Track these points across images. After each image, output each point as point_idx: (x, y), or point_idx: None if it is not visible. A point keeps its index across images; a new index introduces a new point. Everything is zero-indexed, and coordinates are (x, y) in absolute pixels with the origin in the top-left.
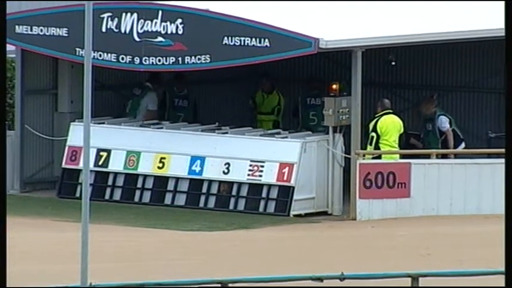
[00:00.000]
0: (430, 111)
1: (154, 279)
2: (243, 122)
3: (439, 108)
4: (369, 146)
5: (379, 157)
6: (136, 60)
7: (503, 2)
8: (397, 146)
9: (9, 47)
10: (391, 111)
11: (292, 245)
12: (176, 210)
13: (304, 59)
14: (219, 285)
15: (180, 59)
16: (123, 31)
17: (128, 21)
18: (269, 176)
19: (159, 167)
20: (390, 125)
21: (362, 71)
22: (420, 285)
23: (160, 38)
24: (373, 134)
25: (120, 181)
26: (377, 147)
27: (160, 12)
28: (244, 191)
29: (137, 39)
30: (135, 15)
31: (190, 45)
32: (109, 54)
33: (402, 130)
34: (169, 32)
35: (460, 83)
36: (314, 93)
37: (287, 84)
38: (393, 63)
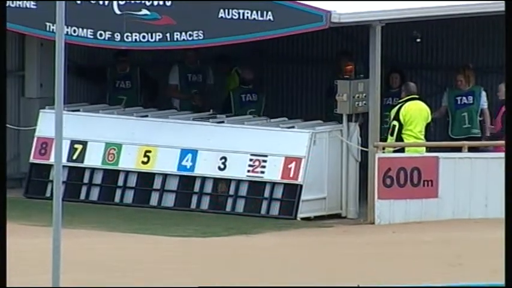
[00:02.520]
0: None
1: None
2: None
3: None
4: (389, 137)
5: (401, 150)
6: (117, 36)
7: None
8: (423, 137)
9: None
10: (417, 96)
11: (300, 253)
12: (164, 213)
13: (313, 36)
14: None
15: (168, 35)
16: (101, 2)
17: None
18: (273, 172)
19: (143, 162)
20: (415, 113)
21: (381, 49)
22: None
23: (144, 11)
24: (395, 122)
25: (97, 178)
26: (399, 139)
27: None
28: (243, 190)
29: (118, 12)
30: None
31: (180, 19)
32: (85, 30)
33: (430, 119)
34: (155, 3)
35: (500, 63)
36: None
37: (292, 65)
38: (418, 40)
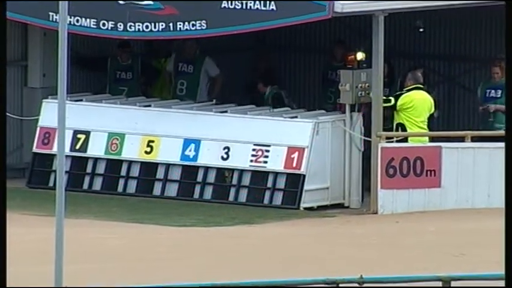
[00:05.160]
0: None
1: (140, 283)
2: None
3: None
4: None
5: (404, 140)
6: (120, 26)
7: None
8: (426, 127)
9: None
10: (422, 86)
11: (303, 243)
12: (167, 202)
13: (316, 26)
14: None
15: (171, 25)
16: None
17: None
18: (275, 162)
19: (146, 152)
20: (419, 102)
21: (384, 39)
22: None
23: (148, 1)
24: (393, 100)
25: (100, 168)
26: (391, 117)
27: None
28: (246, 180)
29: (121, 1)
30: None
31: (183, 9)
32: (88, 20)
33: (433, 109)
34: None
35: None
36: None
37: (294, 55)
38: (421, 29)
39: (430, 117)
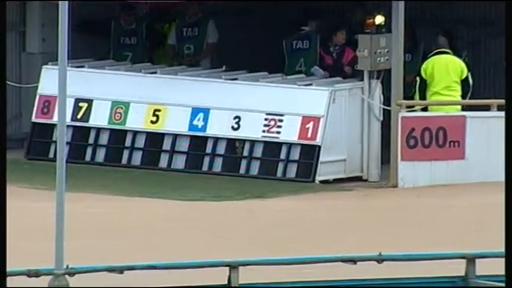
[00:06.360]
0: None
1: (145, 260)
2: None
3: None
4: (416, 96)
5: (426, 109)
6: None
7: None
8: (451, 93)
9: None
10: (445, 50)
11: (318, 218)
12: (174, 175)
13: None
14: (227, 267)
15: None
16: None
17: None
18: (289, 132)
19: (152, 122)
20: (440, 67)
21: (405, 2)
22: (477, 268)
23: None
24: (418, 78)
25: (104, 139)
26: (423, 96)
27: None
28: (258, 151)
29: None
30: None
31: None
32: None
33: (465, 74)
34: None
35: None
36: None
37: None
38: None
39: (463, 82)
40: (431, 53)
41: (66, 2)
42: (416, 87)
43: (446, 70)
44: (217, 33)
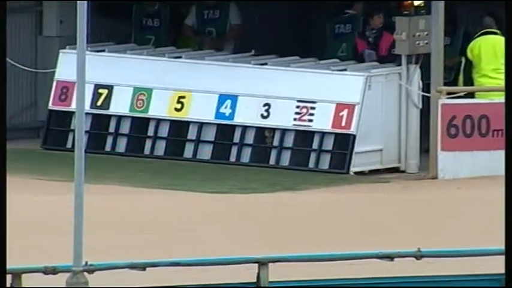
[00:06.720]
0: None
1: (169, 256)
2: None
3: None
4: (461, 78)
5: (471, 95)
6: None
7: None
8: (502, 76)
9: None
10: (493, 31)
11: (353, 211)
12: (199, 166)
13: None
14: (256, 264)
15: None
16: None
17: None
18: (322, 120)
19: (176, 109)
20: (487, 48)
21: None
22: None
23: None
24: (463, 59)
25: (125, 127)
26: (469, 78)
27: None
28: (289, 141)
29: None
30: None
31: None
32: None
33: None
34: None
35: None
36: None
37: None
38: None
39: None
40: (477, 34)
41: None
42: (461, 68)
43: (493, 51)
44: (240, 15)
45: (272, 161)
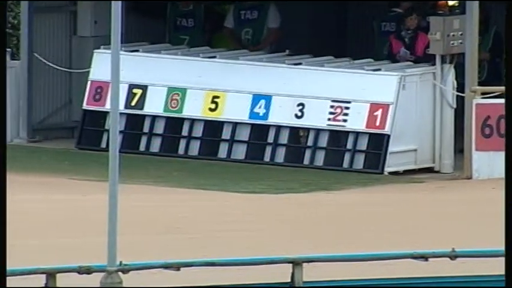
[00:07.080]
0: None
1: (203, 256)
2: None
3: None
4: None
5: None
6: None
7: None
8: None
9: None
10: None
11: (387, 212)
12: (233, 166)
13: None
14: (290, 264)
15: None
16: None
17: None
18: (356, 120)
19: (210, 109)
20: None
21: None
22: None
23: None
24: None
25: (159, 127)
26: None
27: None
28: (323, 141)
29: None
30: None
31: None
32: None
33: None
34: None
35: None
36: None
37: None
38: None
39: None
40: None
41: None
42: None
43: None
44: (279, 18)
45: (306, 161)
